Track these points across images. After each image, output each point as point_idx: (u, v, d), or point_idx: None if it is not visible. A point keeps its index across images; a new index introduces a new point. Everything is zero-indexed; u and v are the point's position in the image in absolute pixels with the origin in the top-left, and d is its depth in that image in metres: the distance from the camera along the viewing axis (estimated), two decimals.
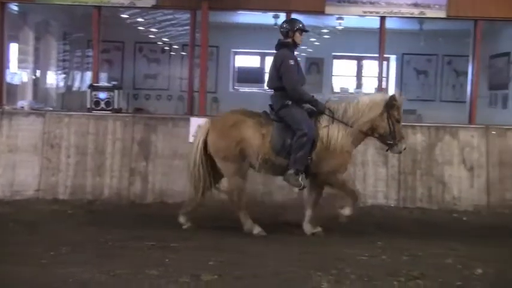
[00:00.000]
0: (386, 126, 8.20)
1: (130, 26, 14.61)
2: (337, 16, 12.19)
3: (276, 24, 12.79)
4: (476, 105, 11.13)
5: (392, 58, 16.19)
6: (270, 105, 8.37)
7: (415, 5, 10.76)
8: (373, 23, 11.26)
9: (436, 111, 15.42)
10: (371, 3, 10.74)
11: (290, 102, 8.12)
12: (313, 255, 7.29)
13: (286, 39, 8.34)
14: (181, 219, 8.52)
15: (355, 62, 17.25)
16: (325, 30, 14.87)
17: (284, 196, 10.19)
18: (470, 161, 10.49)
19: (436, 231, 8.81)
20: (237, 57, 16.84)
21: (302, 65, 16.08)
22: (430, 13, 10.83)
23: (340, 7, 10.81)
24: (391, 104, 8.18)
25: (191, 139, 10.34)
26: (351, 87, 17.20)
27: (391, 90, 15.51)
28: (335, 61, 16.77)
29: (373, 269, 6.73)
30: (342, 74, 17.28)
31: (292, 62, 8.13)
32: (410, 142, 10.31)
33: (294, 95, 8.12)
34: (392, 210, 10.06)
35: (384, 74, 14.38)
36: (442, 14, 10.82)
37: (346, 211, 8.26)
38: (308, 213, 8.48)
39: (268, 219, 8.89)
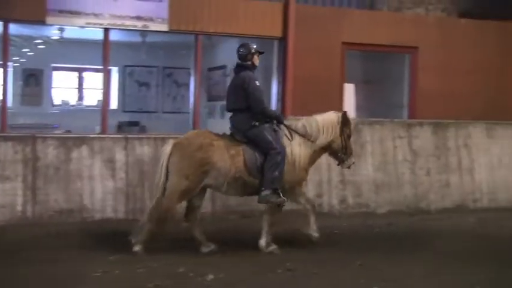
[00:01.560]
0: (340, 142, 8.69)
1: None
2: (58, 26, 11.81)
3: None
4: (199, 116, 11.55)
5: (114, 70, 16.12)
6: (234, 126, 8.48)
7: (139, 18, 10.81)
8: (95, 34, 11.10)
9: (159, 122, 15.74)
10: (95, 14, 10.55)
11: (257, 123, 8.32)
12: (42, 275, 6.96)
13: (246, 62, 8.53)
14: (134, 241, 8.14)
15: (76, 74, 16.85)
16: (43, 41, 14.33)
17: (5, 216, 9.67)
18: None
19: (166, 242, 8.90)
20: None
21: (18, 76, 15.50)
22: (153, 26, 10.96)
23: (63, 17, 10.44)
24: (345, 122, 8.70)
25: None
26: (72, 99, 16.80)
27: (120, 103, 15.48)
28: (55, 73, 16.24)
29: (107, 285, 6.62)
30: (63, 86, 16.76)
31: (258, 83, 8.38)
32: (137, 153, 10.38)
33: (264, 114, 8.39)
34: (122, 223, 9.96)
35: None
36: (164, 28, 11.02)
37: (314, 233, 8.66)
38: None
39: None
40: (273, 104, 11.84)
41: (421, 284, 7.10)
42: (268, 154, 8.21)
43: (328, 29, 12.38)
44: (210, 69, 14.92)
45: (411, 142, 11.92)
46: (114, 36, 11.17)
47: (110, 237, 8.90)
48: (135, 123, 15.37)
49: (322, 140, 8.63)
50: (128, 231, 8.31)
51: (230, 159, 8.19)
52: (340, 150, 8.79)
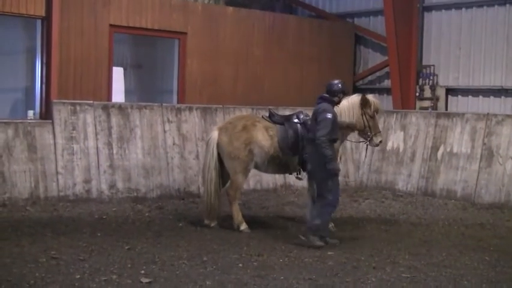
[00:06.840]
0: (362, 122, 9.28)
1: None
2: None
3: None
4: None
5: None
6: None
7: None
8: None
9: None
10: None
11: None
12: None
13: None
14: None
15: None
16: None
17: None
18: None
19: None
20: None
21: None
22: None
23: None
24: (364, 103, 9.23)
25: None
26: None
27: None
28: None
29: None
30: None
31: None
32: None
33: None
34: None
35: None
36: None
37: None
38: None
39: None
40: (37, 87, 11.30)
41: (187, 266, 7.15)
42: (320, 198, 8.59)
43: (96, 10, 12.10)
44: None
45: (180, 126, 11.99)
46: None
47: None
48: None
49: (346, 122, 9.21)
50: None
51: (270, 139, 9.25)
52: (364, 130, 9.38)
